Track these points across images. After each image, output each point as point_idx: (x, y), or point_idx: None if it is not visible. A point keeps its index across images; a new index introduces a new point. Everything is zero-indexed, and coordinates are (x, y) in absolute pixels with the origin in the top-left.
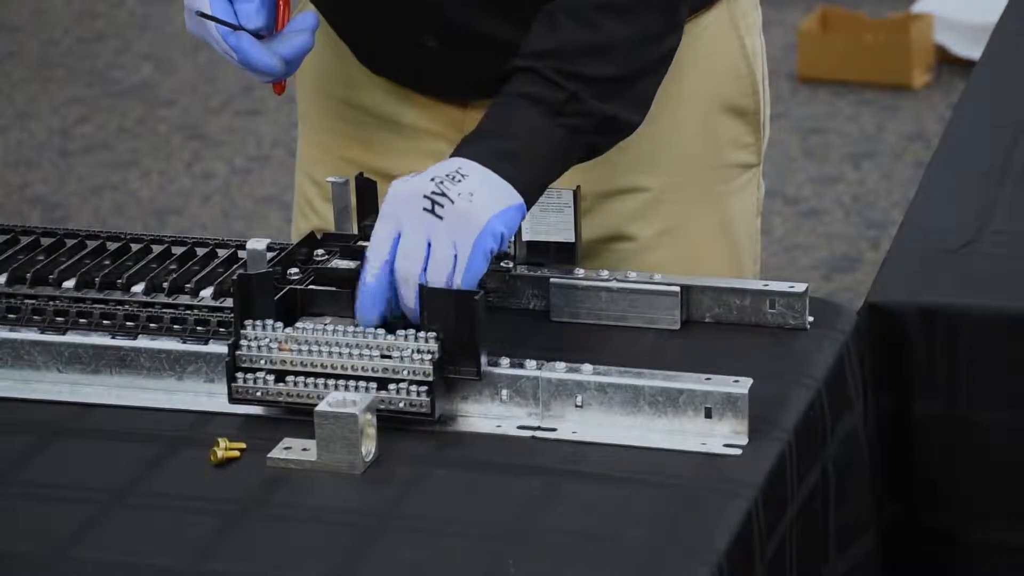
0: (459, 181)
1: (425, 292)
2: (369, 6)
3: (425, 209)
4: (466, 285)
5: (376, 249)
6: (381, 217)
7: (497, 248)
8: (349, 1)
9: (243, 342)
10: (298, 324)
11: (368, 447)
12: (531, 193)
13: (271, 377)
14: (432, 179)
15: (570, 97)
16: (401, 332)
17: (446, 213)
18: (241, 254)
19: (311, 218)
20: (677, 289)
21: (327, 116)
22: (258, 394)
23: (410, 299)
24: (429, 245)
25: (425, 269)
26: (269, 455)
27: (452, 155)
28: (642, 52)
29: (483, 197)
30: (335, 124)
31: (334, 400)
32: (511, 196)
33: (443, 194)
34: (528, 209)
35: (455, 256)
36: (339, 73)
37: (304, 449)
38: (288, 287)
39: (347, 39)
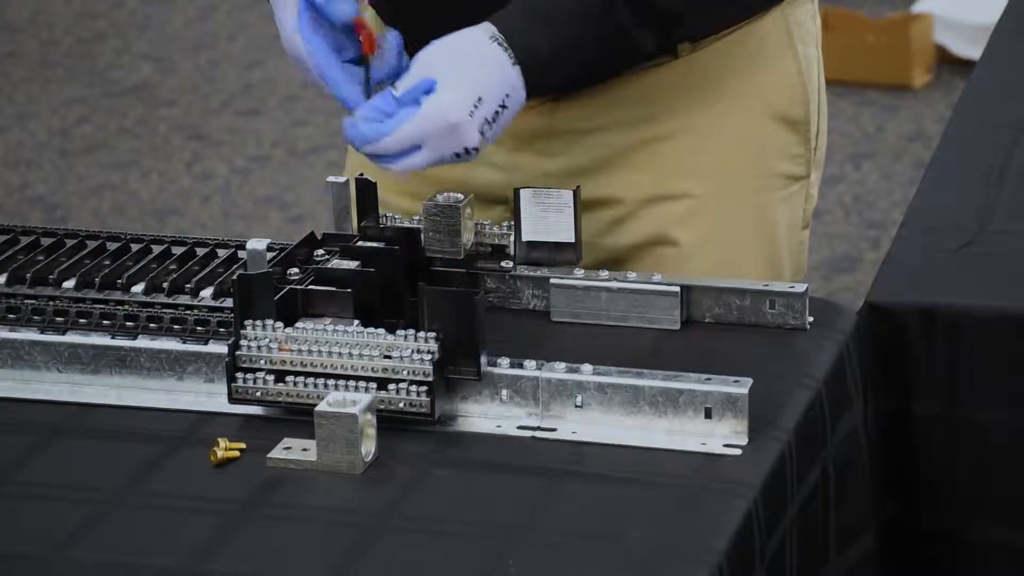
0: (495, 120)
1: (425, 292)
2: None
3: (460, 152)
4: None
5: (391, 141)
6: (427, 126)
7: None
8: None
9: (243, 342)
10: (298, 324)
11: (368, 447)
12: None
13: (271, 377)
14: (482, 124)
15: None
16: (401, 332)
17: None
18: (241, 254)
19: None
20: (677, 289)
21: None
22: (258, 394)
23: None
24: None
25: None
26: (269, 455)
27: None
28: None
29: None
30: None
31: (334, 400)
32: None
33: (480, 147)
34: (530, 82)
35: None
36: None
37: (304, 449)
38: (288, 287)
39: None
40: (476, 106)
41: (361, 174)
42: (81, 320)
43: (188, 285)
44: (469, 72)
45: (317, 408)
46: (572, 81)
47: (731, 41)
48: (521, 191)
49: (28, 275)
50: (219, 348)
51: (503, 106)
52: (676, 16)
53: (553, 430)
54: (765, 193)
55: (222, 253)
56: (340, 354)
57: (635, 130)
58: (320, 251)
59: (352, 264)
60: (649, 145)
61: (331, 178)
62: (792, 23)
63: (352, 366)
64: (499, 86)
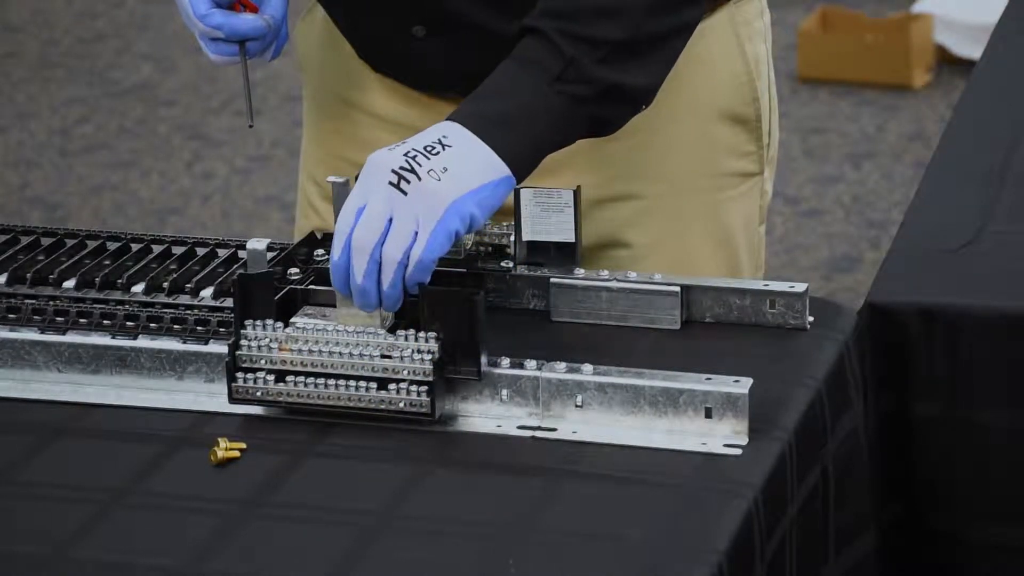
0: (436, 154)
1: (425, 292)
2: None
3: (391, 183)
4: (424, 261)
5: (342, 221)
6: (353, 190)
7: (464, 230)
8: None
9: (243, 342)
10: (298, 323)
11: (385, 313)
12: (522, 164)
13: (271, 377)
14: (407, 152)
15: (570, 62)
16: (401, 332)
17: (411, 190)
18: (241, 254)
19: (312, 217)
20: (677, 289)
21: (328, 115)
22: (258, 394)
23: (360, 273)
24: (392, 221)
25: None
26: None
27: (447, 117)
28: (654, 19)
29: (457, 174)
30: (336, 124)
31: None
32: (494, 170)
33: (412, 170)
34: (520, 181)
35: (415, 232)
36: (341, 72)
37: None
38: (288, 287)
39: (340, 25)
40: (398, 145)
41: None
42: (81, 320)
43: (188, 285)
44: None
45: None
46: (546, 145)
47: None
48: (521, 191)
49: (28, 275)
50: (219, 348)
51: (441, 144)
52: (649, 90)
53: (553, 430)
54: (717, 192)
55: (222, 253)
56: (340, 354)
57: None
58: (320, 251)
59: None
60: (597, 147)
61: (331, 178)
62: (739, 22)
63: (352, 366)
64: (430, 131)
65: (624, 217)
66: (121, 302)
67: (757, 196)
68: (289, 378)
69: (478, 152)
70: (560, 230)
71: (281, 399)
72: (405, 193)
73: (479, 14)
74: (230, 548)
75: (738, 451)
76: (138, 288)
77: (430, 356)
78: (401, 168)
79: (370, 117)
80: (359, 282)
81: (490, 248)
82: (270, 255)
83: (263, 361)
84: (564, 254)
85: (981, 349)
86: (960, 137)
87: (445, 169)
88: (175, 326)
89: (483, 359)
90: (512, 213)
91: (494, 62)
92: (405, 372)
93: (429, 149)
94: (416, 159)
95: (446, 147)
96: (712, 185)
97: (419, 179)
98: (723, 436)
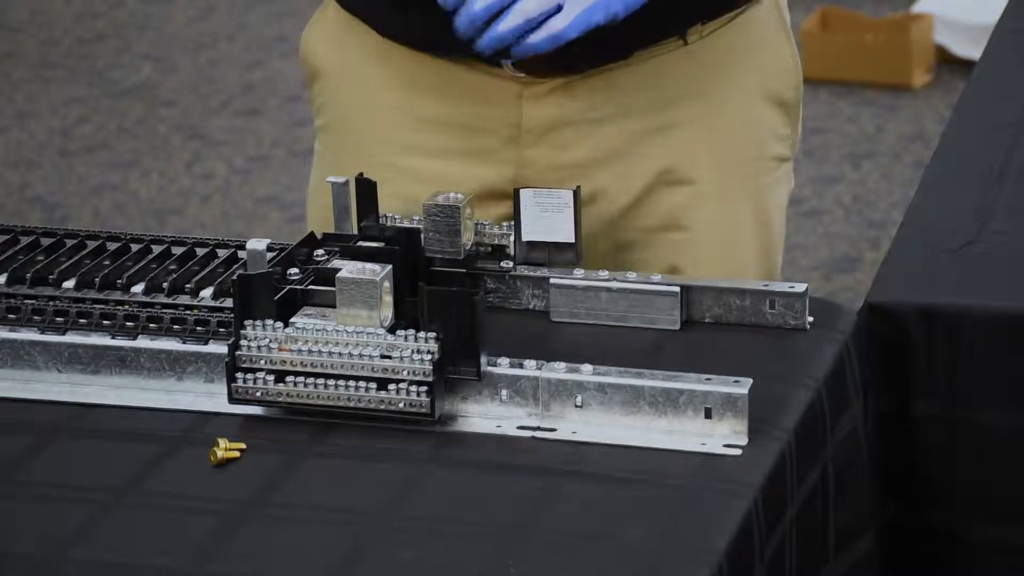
0: None
1: (425, 292)
2: None
3: None
4: (561, 37)
5: None
6: None
7: (605, 22)
8: None
9: (243, 342)
10: (298, 323)
11: (385, 313)
12: None
13: (271, 377)
14: None
15: None
16: (401, 332)
17: None
18: (241, 254)
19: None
20: (677, 289)
21: (368, 123)
22: (258, 394)
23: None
24: None
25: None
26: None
27: None
28: None
29: None
30: (357, 134)
31: (354, 268)
32: None
33: None
34: None
35: (560, 5)
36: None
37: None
38: (288, 287)
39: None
40: None
41: (361, 174)
42: (81, 320)
43: (188, 285)
44: None
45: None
46: None
47: (734, 27)
48: (521, 191)
49: (28, 275)
50: (219, 348)
51: None
52: None
53: (553, 430)
54: (761, 176)
55: (222, 253)
56: (340, 354)
57: (644, 118)
58: (320, 251)
59: (352, 264)
60: (658, 132)
61: (331, 178)
62: (782, 7)
63: (352, 366)
64: None
65: (682, 201)
66: (121, 302)
67: (787, 181)
68: (289, 378)
69: None
70: (560, 230)
71: (281, 399)
72: None
73: None
74: (230, 548)
75: (738, 451)
76: (138, 288)
77: (430, 356)
78: None
79: (419, 121)
80: (476, 9)
81: (490, 248)
82: (270, 255)
83: (263, 361)
84: (564, 254)
85: (981, 349)
86: (960, 137)
87: None
88: (175, 326)
89: (483, 359)
90: (512, 213)
91: None
92: (405, 372)
93: None
94: None
95: None
96: (758, 169)
97: None
98: (723, 436)
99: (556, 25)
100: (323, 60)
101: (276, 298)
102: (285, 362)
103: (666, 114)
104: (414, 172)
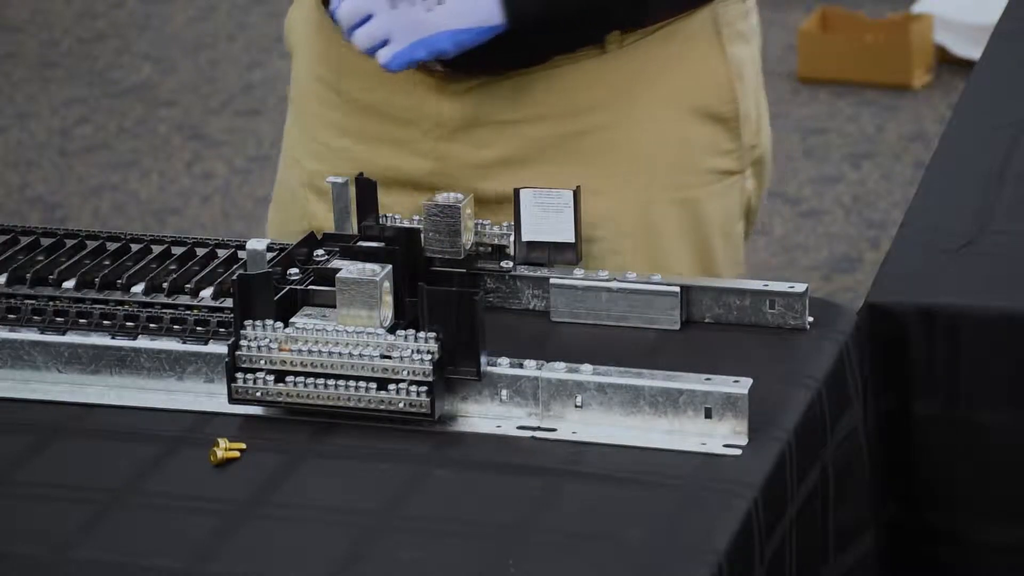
0: None
1: (425, 292)
2: None
3: None
4: (382, 67)
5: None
6: None
7: (425, 58)
8: None
9: (243, 342)
10: (298, 323)
11: (385, 313)
12: (526, 17)
13: (271, 377)
14: None
15: None
16: (401, 332)
17: (402, 6)
18: (241, 254)
19: (287, 195)
20: (677, 289)
21: (312, 99)
22: (258, 394)
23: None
24: (371, 18)
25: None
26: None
27: None
28: None
29: (450, 10)
30: (318, 108)
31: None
32: (488, 17)
33: None
34: (516, 29)
35: (386, 41)
36: (327, 56)
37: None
38: (288, 287)
39: None
40: None
41: (361, 174)
42: (81, 320)
43: (188, 285)
44: None
45: (339, 275)
46: (554, 15)
47: (657, 38)
48: (521, 191)
49: (28, 275)
50: (219, 348)
51: None
52: None
53: (553, 430)
54: (692, 189)
55: (222, 253)
56: (340, 354)
57: (561, 123)
58: (320, 251)
59: (352, 264)
60: (574, 139)
61: (331, 178)
62: (721, 23)
63: (352, 366)
64: None
65: (599, 210)
66: (121, 302)
67: (737, 193)
68: (289, 378)
69: None
70: (560, 230)
71: (281, 399)
72: (395, 6)
73: None
74: (230, 548)
75: (738, 451)
76: (138, 288)
77: (430, 356)
78: None
79: (350, 103)
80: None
81: (490, 248)
82: (270, 255)
83: (263, 361)
84: (564, 254)
85: (981, 349)
86: (960, 137)
87: (440, 2)
88: (175, 326)
89: (483, 359)
90: (512, 213)
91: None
92: (405, 372)
93: None
94: None
95: None
96: (688, 182)
97: (412, 3)
98: (723, 436)
99: (381, 58)
100: (298, 37)
101: (276, 298)
102: (285, 362)
103: (581, 120)
104: (343, 153)
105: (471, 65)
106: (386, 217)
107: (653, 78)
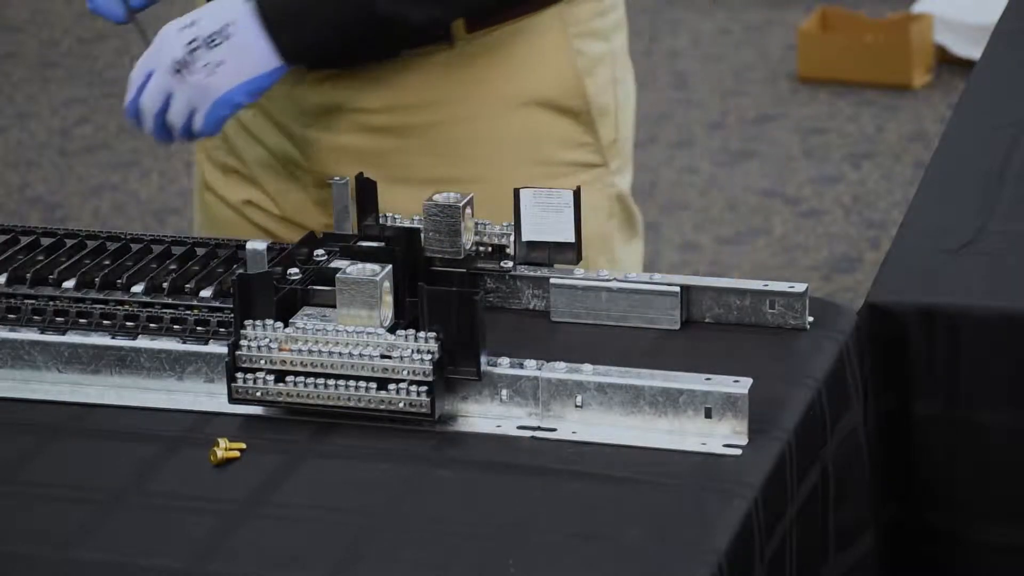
0: (216, 46)
1: (425, 292)
2: None
3: (174, 66)
4: (204, 134)
5: (136, 72)
6: (147, 50)
7: (231, 113)
8: None
9: (243, 342)
10: (298, 323)
11: (385, 313)
12: (304, 58)
13: (271, 377)
14: (191, 42)
15: None
16: (401, 332)
17: (189, 77)
18: (241, 254)
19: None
20: (677, 289)
21: None
22: (258, 394)
23: (149, 129)
24: (171, 97)
25: (164, 112)
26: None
27: None
28: None
29: (231, 68)
30: None
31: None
32: (268, 63)
33: (189, 63)
34: (300, 65)
35: (192, 112)
36: None
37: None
38: (288, 287)
39: None
40: (188, 25)
41: (361, 174)
42: (81, 320)
43: (188, 285)
44: (200, 4)
45: (338, 275)
46: (330, 46)
47: (505, 33)
48: (521, 191)
49: (28, 275)
50: (219, 348)
51: (224, 35)
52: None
53: (553, 430)
54: (551, 180)
55: (222, 253)
56: (340, 354)
57: (414, 114)
58: (320, 251)
59: (352, 264)
60: (429, 130)
61: (331, 178)
62: (569, 22)
63: (352, 366)
64: (220, 13)
65: None
66: (121, 302)
67: (602, 188)
68: (289, 378)
69: (257, 47)
70: (560, 230)
71: (281, 399)
72: (184, 79)
73: None
74: (230, 548)
75: (738, 451)
76: (138, 288)
77: (430, 356)
78: (182, 59)
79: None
80: (151, 133)
81: (490, 248)
82: (270, 255)
83: (263, 361)
84: (564, 254)
85: (981, 349)
86: (960, 137)
87: (221, 63)
88: (175, 326)
89: (483, 359)
90: (512, 213)
91: None
92: (405, 372)
93: (211, 40)
94: (196, 52)
95: (228, 37)
96: (539, 173)
97: (193, 73)
98: (723, 436)
99: (195, 127)
100: None
101: (276, 298)
102: (285, 362)
103: (430, 112)
104: (238, 123)
105: (300, 45)
106: (386, 217)
107: (501, 72)
